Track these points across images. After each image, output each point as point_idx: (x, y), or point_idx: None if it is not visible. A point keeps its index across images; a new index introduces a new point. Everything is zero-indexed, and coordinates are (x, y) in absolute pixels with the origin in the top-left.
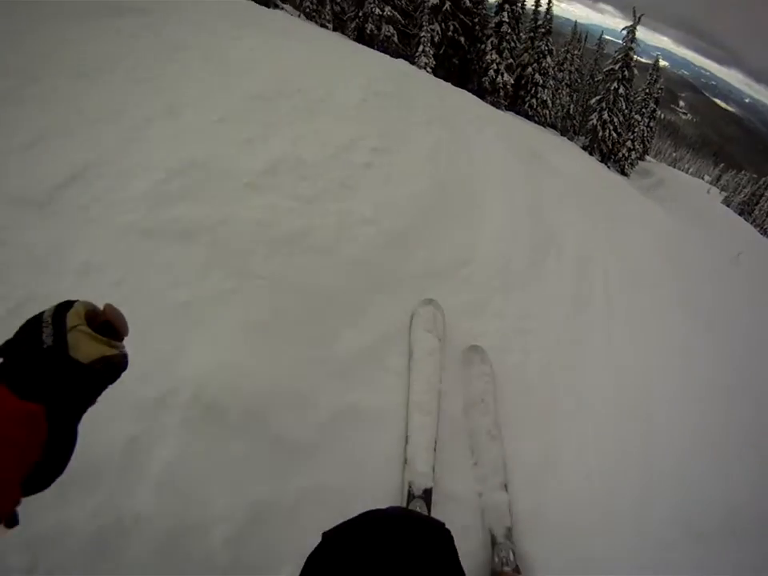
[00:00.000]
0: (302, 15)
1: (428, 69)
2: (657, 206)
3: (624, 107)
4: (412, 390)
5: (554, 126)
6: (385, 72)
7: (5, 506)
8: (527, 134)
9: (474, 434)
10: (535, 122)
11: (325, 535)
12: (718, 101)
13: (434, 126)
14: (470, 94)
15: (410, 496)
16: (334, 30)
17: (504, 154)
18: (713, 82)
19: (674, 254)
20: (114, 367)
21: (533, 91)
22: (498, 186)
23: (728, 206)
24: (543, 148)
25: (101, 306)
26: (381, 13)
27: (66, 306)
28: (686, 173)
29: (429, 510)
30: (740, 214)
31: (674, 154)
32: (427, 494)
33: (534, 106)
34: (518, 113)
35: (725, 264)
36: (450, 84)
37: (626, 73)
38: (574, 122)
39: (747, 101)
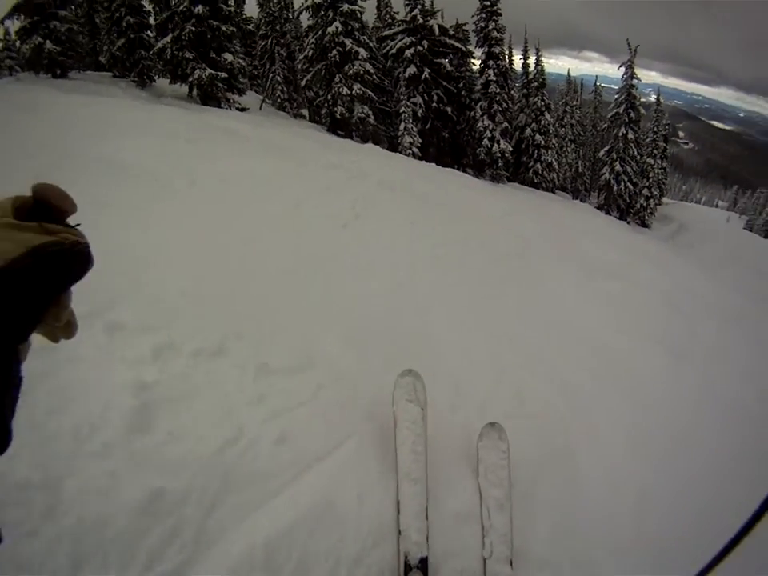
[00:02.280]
0: (264, 103)
1: (413, 149)
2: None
3: (636, 153)
4: (399, 459)
5: (563, 189)
6: None
7: None
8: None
9: (484, 504)
10: (542, 188)
11: None
12: (714, 122)
13: None
14: (459, 172)
15: (407, 567)
16: (311, 118)
17: None
18: (706, 105)
19: None
20: (53, 257)
21: (535, 155)
22: None
23: (751, 229)
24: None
25: None
26: (349, 92)
27: None
28: (699, 203)
29: None
30: (765, 237)
31: (684, 187)
32: (423, 564)
33: (539, 171)
34: (522, 182)
35: None
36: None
37: (632, 114)
38: (585, 179)
39: (742, 115)
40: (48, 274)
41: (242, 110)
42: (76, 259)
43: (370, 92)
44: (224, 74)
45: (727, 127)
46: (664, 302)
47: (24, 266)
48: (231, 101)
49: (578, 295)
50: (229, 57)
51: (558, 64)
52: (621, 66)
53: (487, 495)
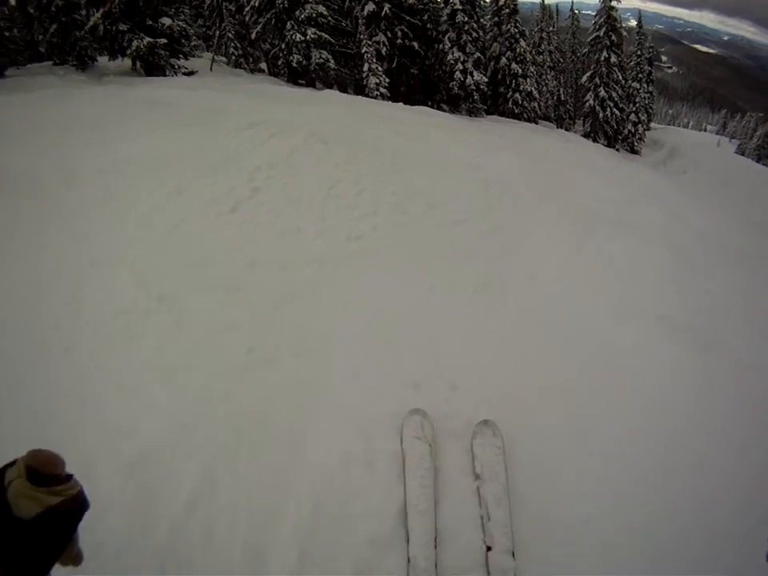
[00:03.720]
0: (215, 63)
1: (381, 89)
2: None
3: (620, 78)
4: (408, 492)
5: (546, 118)
6: None
7: None
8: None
9: (482, 500)
10: (524, 119)
11: None
12: (698, 46)
13: None
14: (429, 110)
15: None
16: (270, 71)
17: None
18: (688, 29)
19: None
20: (63, 514)
21: (513, 84)
22: None
23: (742, 153)
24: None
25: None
26: (303, 38)
27: (14, 463)
28: (687, 127)
29: None
30: (757, 161)
31: (671, 112)
32: None
33: (519, 101)
34: (502, 114)
35: None
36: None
37: (613, 38)
38: (568, 107)
39: (726, 38)
40: (62, 522)
41: (190, 74)
42: (78, 507)
43: (326, 35)
44: (164, 40)
45: (711, 50)
46: (671, 255)
47: (45, 519)
48: (176, 66)
49: (566, 268)
50: (167, 21)
51: None
52: None
53: (485, 491)
